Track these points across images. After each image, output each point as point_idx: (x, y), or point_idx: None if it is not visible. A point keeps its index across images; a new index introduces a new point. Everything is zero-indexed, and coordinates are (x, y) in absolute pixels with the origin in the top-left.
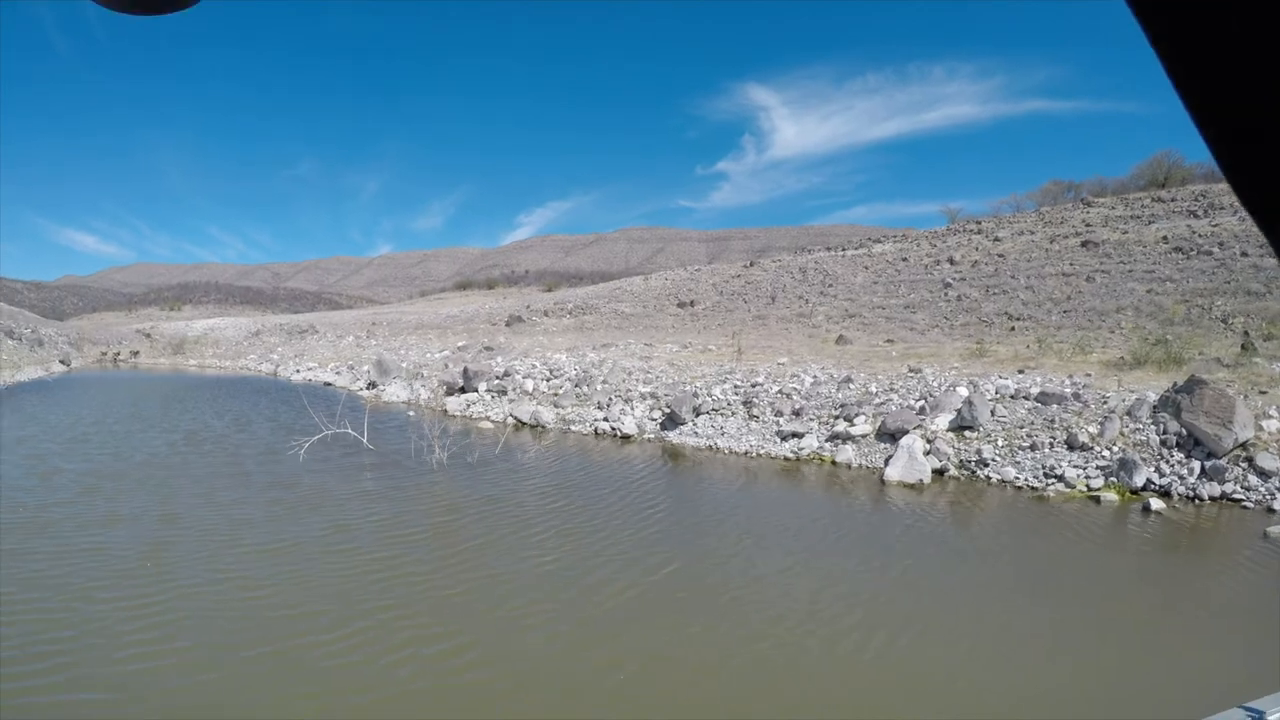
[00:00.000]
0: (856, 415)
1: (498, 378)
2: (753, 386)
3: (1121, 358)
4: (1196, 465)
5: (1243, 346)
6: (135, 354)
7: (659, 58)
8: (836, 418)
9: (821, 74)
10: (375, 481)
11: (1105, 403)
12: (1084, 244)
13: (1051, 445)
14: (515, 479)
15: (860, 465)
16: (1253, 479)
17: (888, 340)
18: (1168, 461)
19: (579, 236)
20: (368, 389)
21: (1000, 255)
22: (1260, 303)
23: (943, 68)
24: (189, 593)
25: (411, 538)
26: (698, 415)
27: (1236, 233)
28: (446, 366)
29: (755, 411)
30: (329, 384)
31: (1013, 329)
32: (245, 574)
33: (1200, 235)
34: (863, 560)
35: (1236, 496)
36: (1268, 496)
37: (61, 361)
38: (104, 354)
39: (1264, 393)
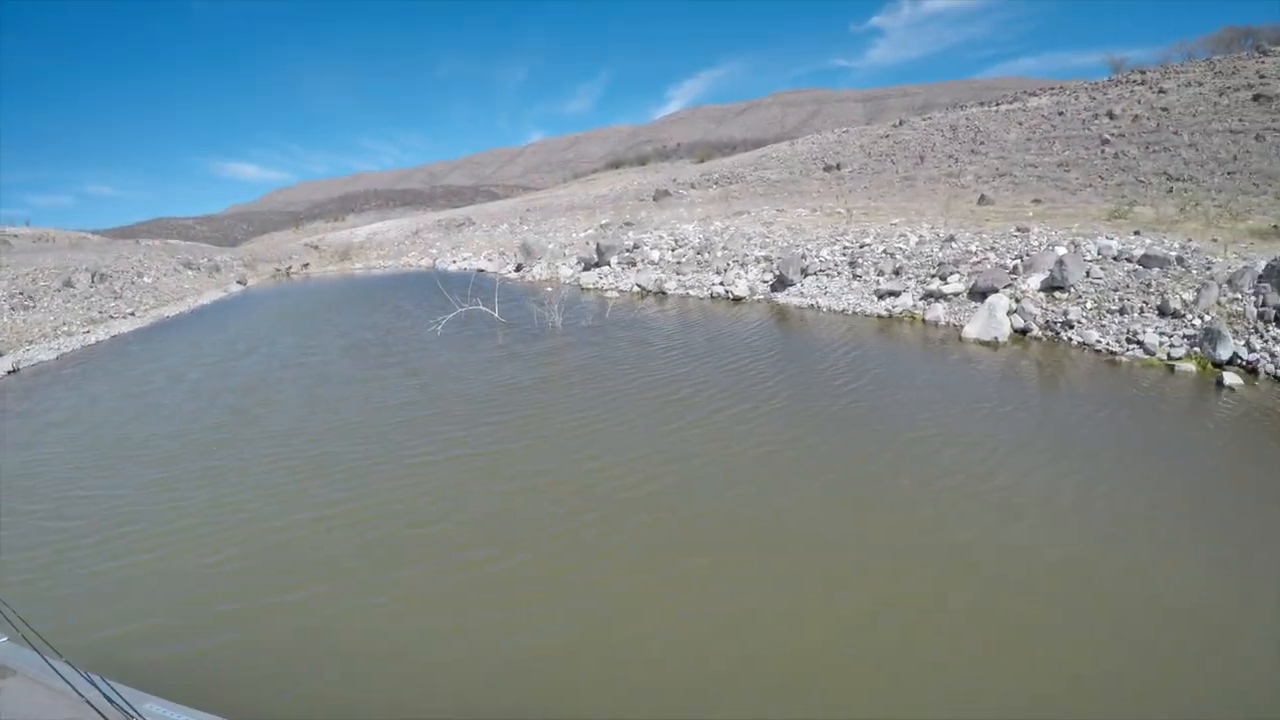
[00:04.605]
0: (951, 274)
1: (627, 250)
2: (861, 248)
3: (1275, 226)
4: None
5: None
6: (306, 266)
7: None
8: (933, 276)
9: None
10: (497, 345)
11: (1209, 269)
12: (1256, 98)
13: (1142, 310)
14: (620, 338)
15: (948, 323)
16: None
17: (1035, 200)
18: (1261, 336)
19: (730, 105)
20: (515, 271)
21: (1164, 109)
22: None
23: None
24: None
25: (517, 388)
26: (805, 276)
27: None
28: (587, 245)
29: (859, 271)
30: (481, 270)
31: (1170, 190)
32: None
33: None
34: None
35: None
36: None
37: (239, 282)
38: (277, 270)
39: None
